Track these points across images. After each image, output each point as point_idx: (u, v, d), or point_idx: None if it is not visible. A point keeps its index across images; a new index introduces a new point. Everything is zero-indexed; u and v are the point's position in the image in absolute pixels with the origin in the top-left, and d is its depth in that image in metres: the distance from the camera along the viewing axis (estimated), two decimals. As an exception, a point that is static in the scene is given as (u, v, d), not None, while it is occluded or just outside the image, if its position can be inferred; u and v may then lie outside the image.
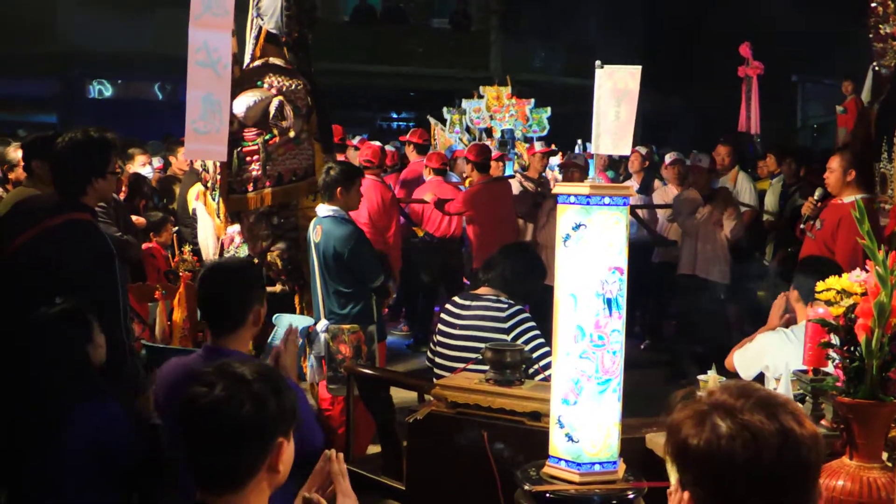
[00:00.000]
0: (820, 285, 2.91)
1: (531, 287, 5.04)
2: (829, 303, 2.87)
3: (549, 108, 14.42)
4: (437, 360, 4.84)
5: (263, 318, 3.62)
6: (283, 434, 2.29)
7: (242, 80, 5.93)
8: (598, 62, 3.22)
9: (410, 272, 9.94)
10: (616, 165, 13.31)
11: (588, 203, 3.05)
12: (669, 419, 1.86)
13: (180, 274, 6.11)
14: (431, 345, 4.95)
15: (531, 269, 5.04)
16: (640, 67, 3.20)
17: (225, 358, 3.09)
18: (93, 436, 3.47)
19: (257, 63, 6.44)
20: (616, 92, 3.22)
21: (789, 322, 4.74)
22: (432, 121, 14.18)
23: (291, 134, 6.36)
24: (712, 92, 16.17)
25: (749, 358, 4.56)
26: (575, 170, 9.48)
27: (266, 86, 6.33)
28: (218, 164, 6.15)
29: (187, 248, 6.70)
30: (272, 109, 6.25)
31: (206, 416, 2.22)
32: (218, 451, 2.23)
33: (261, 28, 6.45)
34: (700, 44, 18.16)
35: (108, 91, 23.23)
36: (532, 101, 14.51)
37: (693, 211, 8.68)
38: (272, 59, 6.45)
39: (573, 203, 3.09)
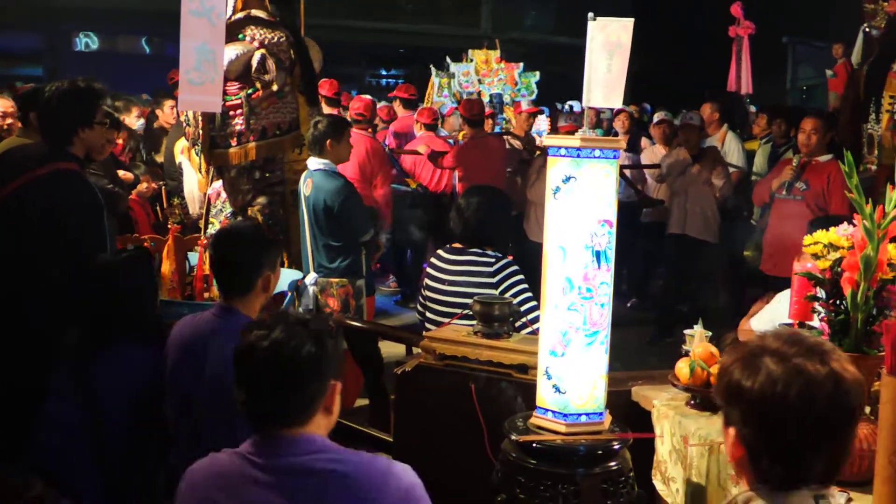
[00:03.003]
0: (807, 238, 2.93)
1: (501, 226, 4.99)
2: (815, 256, 2.89)
3: (537, 73, 14.38)
4: (428, 314, 4.85)
5: (274, 287, 3.64)
6: (336, 376, 2.38)
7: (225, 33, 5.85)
8: (590, 14, 3.21)
9: (399, 227, 9.94)
10: (601, 125, 13.29)
11: (578, 156, 3.05)
12: (720, 363, 1.92)
13: (168, 226, 6.10)
14: (421, 298, 4.97)
15: (494, 209, 4.93)
16: (632, 20, 3.19)
17: (238, 317, 3.26)
18: (141, 377, 3.61)
19: (239, 16, 6.36)
20: (608, 44, 3.21)
21: None
22: (434, 71, 14.13)
23: (275, 87, 6.26)
24: (703, 51, 16.10)
25: (766, 320, 4.54)
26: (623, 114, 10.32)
27: (248, 38, 6.25)
28: (200, 118, 6.10)
29: (176, 201, 6.68)
30: (254, 63, 6.15)
31: (267, 358, 2.29)
32: (279, 391, 2.30)
33: (242, -22, 6.38)
34: (692, 2, 18.03)
35: (94, 44, 23.02)
36: (521, 65, 14.47)
37: (682, 171, 8.68)
38: (254, 12, 6.37)
39: (564, 156, 3.09)
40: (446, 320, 4.54)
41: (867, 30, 9.04)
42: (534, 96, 14.14)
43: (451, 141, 10.51)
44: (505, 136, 10.34)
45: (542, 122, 12.87)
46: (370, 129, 9.62)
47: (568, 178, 3.07)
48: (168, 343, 3.58)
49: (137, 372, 3.63)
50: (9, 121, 6.17)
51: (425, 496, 2.37)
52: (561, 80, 14.36)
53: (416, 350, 4.64)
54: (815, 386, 1.77)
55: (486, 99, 13.70)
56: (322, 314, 2.58)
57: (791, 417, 1.78)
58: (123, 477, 3.61)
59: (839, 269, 2.81)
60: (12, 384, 4.13)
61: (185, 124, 6.64)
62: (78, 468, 3.59)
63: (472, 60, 14.39)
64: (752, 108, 13.05)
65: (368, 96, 10.38)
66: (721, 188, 8.63)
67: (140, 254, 4.17)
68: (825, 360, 1.81)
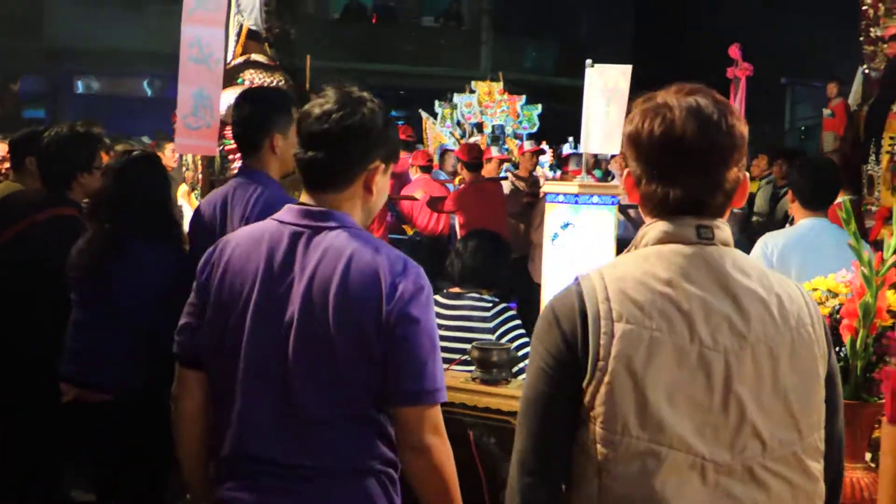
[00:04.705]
0: (806, 286, 2.91)
1: (500, 269, 4.95)
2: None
3: (539, 105, 14.45)
4: (424, 359, 4.80)
5: (287, 151, 3.70)
6: (382, 158, 2.51)
7: (223, 78, 5.89)
8: (588, 60, 3.23)
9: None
10: (600, 165, 13.33)
11: (577, 202, 3.06)
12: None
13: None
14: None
15: (493, 252, 4.93)
16: (630, 66, 3.21)
17: (255, 174, 3.66)
18: (150, 270, 3.78)
19: (239, 60, 6.41)
20: (606, 91, 3.23)
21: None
22: (424, 115, 14.18)
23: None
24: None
25: None
26: (621, 156, 9.58)
27: (246, 82, 6.28)
28: (200, 162, 6.12)
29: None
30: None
31: (319, 118, 2.45)
32: (323, 147, 2.45)
33: (241, 25, 6.42)
34: (691, 45, 18.19)
35: (96, 87, 23.14)
36: (523, 97, 14.54)
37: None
38: (254, 56, 6.42)
39: (562, 202, 3.10)
40: (444, 366, 4.51)
41: (866, 71, 9.08)
42: (535, 129, 14.20)
43: (448, 185, 10.52)
44: (510, 176, 10.36)
45: (546, 156, 12.89)
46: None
47: (566, 225, 3.09)
48: (191, 224, 3.83)
49: (155, 270, 3.76)
50: (6, 164, 6.17)
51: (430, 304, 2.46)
52: (562, 117, 14.43)
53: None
54: (676, 112, 1.91)
55: (488, 130, 13.75)
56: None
57: (656, 143, 1.92)
58: (156, 376, 3.66)
59: (838, 316, 2.80)
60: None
61: (184, 168, 6.66)
62: (108, 369, 3.75)
63: (474, 92, 14.46)
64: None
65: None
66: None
67: (150, 155, 4.41)
68: (693, 93, 1.94)
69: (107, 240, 3.83)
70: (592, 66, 3.21)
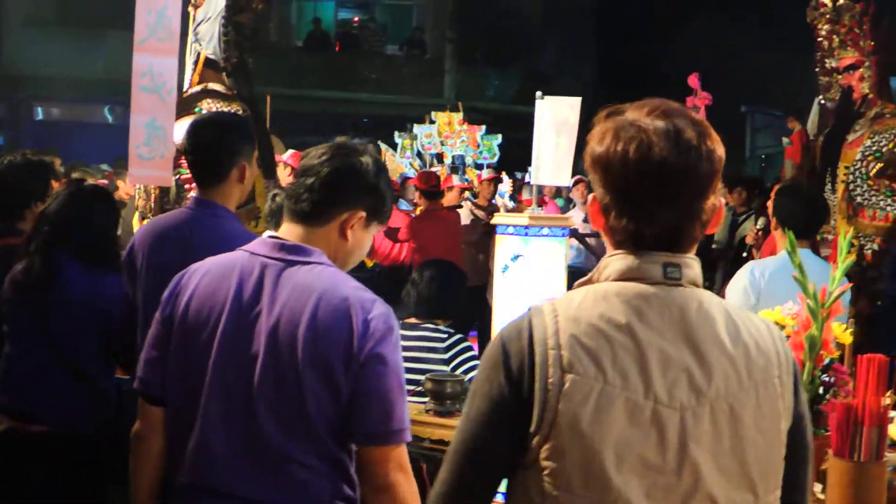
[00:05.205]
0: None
1: (455, 299, 4.93)
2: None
3: (499, 136, 14.50)
4: (380, 389, 4.77)
5: (251, 181, 3.59)
6: (366, 208, 2.53)
7: (180, 107, 5.87)
8: (538, 93, 3.24)
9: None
10: (561, 193, 13.39)
11: (527, 234, 3.06)
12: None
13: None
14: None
15: (448, 282, 4.90)
16: (579, 99, 3.22)
17: (213, 209, 3.39)
18: (98, 301, 3.75)
19: (195, 89, 6.37)
20: (556, 123, 3.23)
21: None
22: (383, 147, 14.18)
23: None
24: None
25: None
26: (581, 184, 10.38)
27: (204, 111, 6.25)
28: (154, 190, 6.08)
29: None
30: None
31: (320, 154, 2.53)
32: (314, 179, 2.49)
33: (199, 53, 6.39)
34: (653, 74, 18.35)
35: (56, 113, 22.98)
36: (483, 127, 14.57)
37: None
38: (211, 85, 6.38)
39: (512, 234, 3.09)
40: (400, 397, 4.48)
41: (822, 101, 9.17)
42: (496, 159, 14.23)
43: (411, 214, 10.51)
44: (469, 205, 10.36)
45: (505, 185, 12.91)
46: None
47: (516, 257, 3.08)
48: (135, 242, 3.53)
49: (95, 301, 3.73)
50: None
51: None
52: (524, 146, 14.47)
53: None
54: (652, 136, 1.75)
55: (448, 161, 13.76)
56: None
57: (630, 171, 1.75)
58: (96, 408, 3.72)
59: (785, 349, 2.81)
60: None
61: (136, 197, 6.61)
62: (44, 401, 3.70)
63: (434, 122, 14.47)
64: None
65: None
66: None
67: (97, 186, 4.38)
68: (671, 117, 1.78)
69: (44, 270, 3.77)
70: (542, 99, 3.22)
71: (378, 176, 2.55)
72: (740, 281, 4.52)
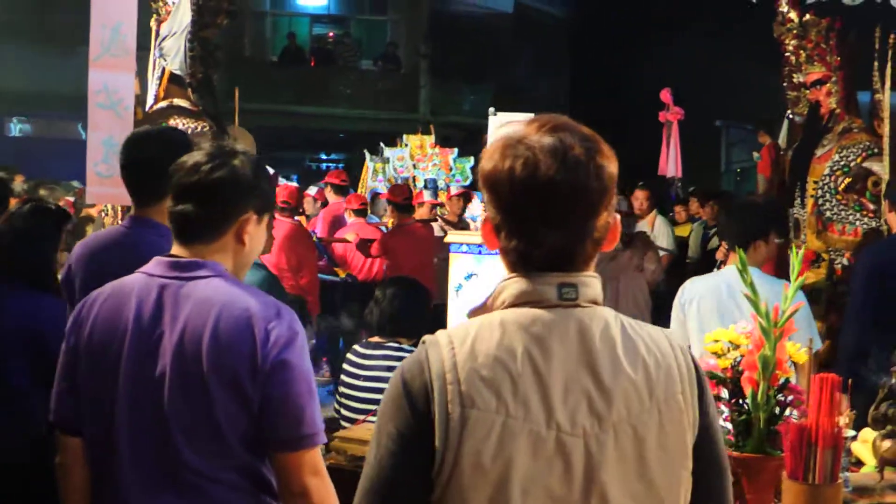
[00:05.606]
0: (707, 337, 2.89)
1: (418, 316, 4.86)
2: (717, 354, 2.84)
3: (471, 158, 14.48)
4: (343, 411, 4.72)
5: None
6: (254, 209, 2.50)
7: (145, 122, 5.82)
8: (491, 109, 3.21)
9: (332, 316, 9.80)
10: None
11: (480, 252, 3.01)
12: None
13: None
14: (337, 395, 4.84)
15: (411, 300, 4.83)
16: (532, 115, 3.17)
17: (152, 228, 3.25)
18: (32, 324, 3.71)
19: (161, 104, 6.33)
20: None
21: None
22: (368, 157, 14.15)
23: (196, 177, 6.21)
24: (637, 137, 16.40)
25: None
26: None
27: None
28: (119, 207, 6.02)
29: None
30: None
31: (188, 170, 2.46)
32: (192, 199, 2.45)
33: (164, 69, 6.35)
34: (627, 88, 18.38)
35: (28, 129, 22.84)
36: (455, 150, 14.56)
37: (612, 256, 8.68)
38: (176, 101, 6.35)
39: (465, 252, 3.05)
40: (361, 417, 4.43)
41: (791, 116, 9.20)
42: (468, 182, 14.20)
43: (382, 228, 10.46)
44: (440, 221, 10.32)
45: (477, 207, 12.86)
46: (294, 217, 9.54)
47: (470, 276, 3.03)
48: (72, 262, 3.44)
49: (30, 324, 3.69)
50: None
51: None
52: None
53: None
54: (542, 156, 1.71)
55: (420, 184, 13.72)
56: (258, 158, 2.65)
57: (517, 190, 1.71)
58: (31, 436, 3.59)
59: (740, 368, 2.77)
60: None
61: (103, 214, 6.55)
62: None
63: (406, 145, 14.44)
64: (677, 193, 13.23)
65: (294, 183, 10.31)
66: (653, 272, 8.65)
67: (42, 205, 4.27)
68: (558, 131, 1.74)
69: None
70: (495, 115, 3.18)
71: (256, 174, 2.53)
72: (676, 299, 4.52)
